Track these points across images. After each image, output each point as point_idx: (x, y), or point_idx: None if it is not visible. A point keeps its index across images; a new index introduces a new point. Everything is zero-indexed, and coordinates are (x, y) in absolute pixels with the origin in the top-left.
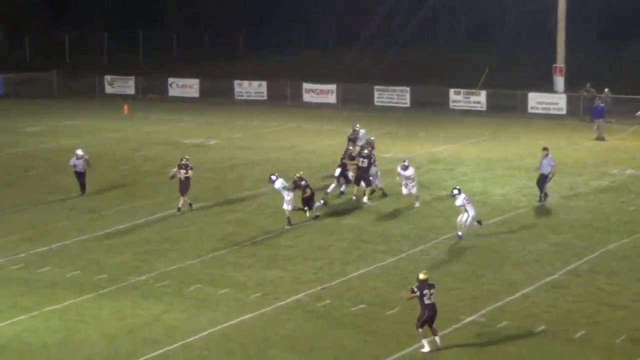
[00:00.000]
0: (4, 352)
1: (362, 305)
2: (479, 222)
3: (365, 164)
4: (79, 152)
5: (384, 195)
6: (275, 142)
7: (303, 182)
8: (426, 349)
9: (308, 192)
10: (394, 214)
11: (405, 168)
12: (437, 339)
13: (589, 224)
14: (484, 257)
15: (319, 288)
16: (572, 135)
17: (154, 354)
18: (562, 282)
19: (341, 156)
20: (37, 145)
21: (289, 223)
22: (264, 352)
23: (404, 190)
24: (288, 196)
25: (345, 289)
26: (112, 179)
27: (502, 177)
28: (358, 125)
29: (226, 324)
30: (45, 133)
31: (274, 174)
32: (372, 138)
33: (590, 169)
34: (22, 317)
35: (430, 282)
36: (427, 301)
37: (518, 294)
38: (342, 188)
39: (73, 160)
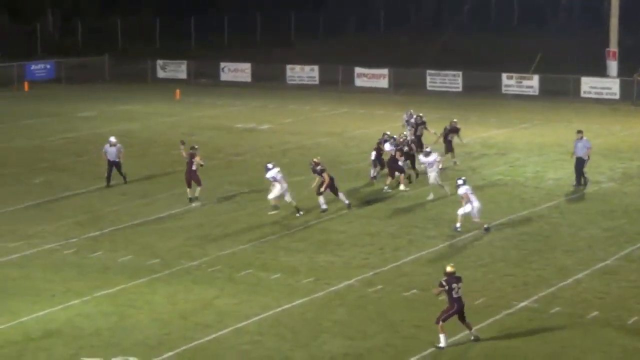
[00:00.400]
0: (57, 336)
1: (414, 291)
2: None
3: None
4: (112, 139)
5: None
6: (327, 127)
7: (319, 167)
8: (442, 344)
9: (325, 177)
10: (444, 200)
11: (427, 154)
12: (474, 331)
13: None
14: (535, 242)
15: (371, 273)
16: (625, 120)
17: (205, 339)
18: (615, 268)
19: (378, 140)
20: (90, 130)
21: (298, 211)
22: (315, 337)
23: (430, 179)
24: (275, 187)
25: (397, 275)
26: (164, 163)
27: (554, 162)
28: (411, 111)
29: (278, 309)
30: (98, 118)
31: (270, 163)
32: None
33: None
34: (74, 302)
35: (457, 274)
36: (455, 295)
37: (570, 280)
38: (374, 173)
39: (106, 147)
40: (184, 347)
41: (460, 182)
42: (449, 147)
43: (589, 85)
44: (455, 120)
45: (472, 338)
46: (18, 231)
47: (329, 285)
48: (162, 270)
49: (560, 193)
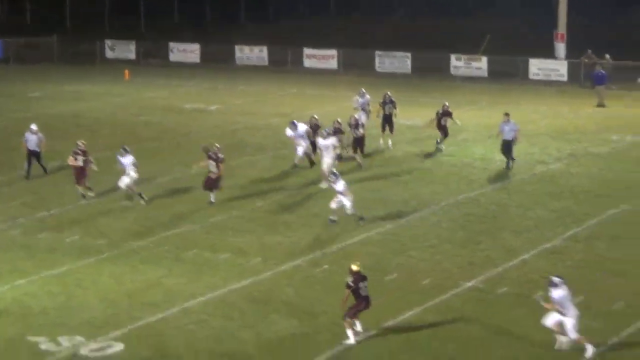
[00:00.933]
0: (4, 315)
1: None
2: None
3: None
4: (34, 126)
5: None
6: (276, 107)
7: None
8: (352, 340)
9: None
10: (393, 181)
11: (325, 136)
12: (357, 322)
13: (589, 190)
14: (482, 223)
15: (318, 254)
16: (573, 101)
17: (152, 318)
18: (562, 248)
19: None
20: (40, 110)
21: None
22: (263, 317)
23: (324, 165)
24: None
25: (343, 255)
26: (112, 144)
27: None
28: (363, 89)
29: (225, 289)
30: (47, 98)
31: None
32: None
33: (590, 136)
34: (21, 282)
35: (363, 273)
36: (363, 293)
37: (517, 260)
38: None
39: (27, 135)
40: (130, 327)
41: (333, 178)
42: (445, 132)
43: (537, 67)
44: (446, 103)
45: (359, 329)
46: None
47: (277, 265)
48: (109, 250)
49: (507, 174)
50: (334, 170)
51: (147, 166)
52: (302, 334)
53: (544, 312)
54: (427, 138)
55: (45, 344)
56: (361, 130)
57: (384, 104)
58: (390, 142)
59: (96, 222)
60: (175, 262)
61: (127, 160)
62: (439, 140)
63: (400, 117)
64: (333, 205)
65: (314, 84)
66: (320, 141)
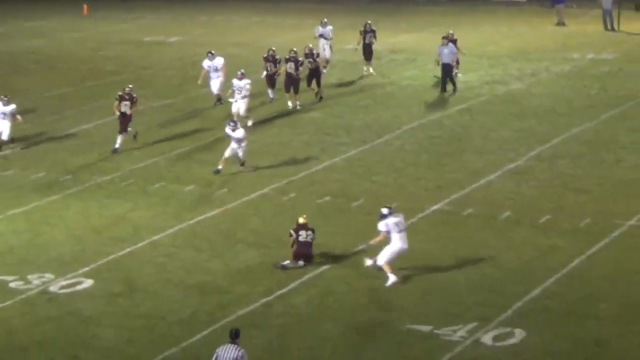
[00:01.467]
0: None
1: (327, 198)
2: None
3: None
4: None
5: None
6: (238, 37)
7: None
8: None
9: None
10: (355, 106)
11: (241, 76)
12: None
13: (552, 110)
14: (447, 145)
15: (284, 182)
16: (532, 20)
17: (120, 253)
18: (526, 168)
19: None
20: None
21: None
22: (231, 247)
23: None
24: None
25: (309, 182)
26: (73, 79)
27: (464, 65)
28: (325, 19)
29: (192, 221)
30: (5, 35)
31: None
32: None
33: (551, 55)
34: None
35: (310, 226)
36: (301, 239)
37: (482, 181)
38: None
39: None
40: (99, 262)
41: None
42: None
43: None
44: (451, 32)
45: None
46: None
47: (243, 195)
48: (75, 186)
49: (470, 95)
50: (234, 118)
51: (108, 99)
52: (271, 262)
53: (506, 233)
54: (388, 62)
55: (14, 282)
56: (317, 61)
57: (364, 32)
58: (371, 69)
59: (61, 158)
60: (141, 195)
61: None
62: (456, 71)
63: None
64: (227, 153)
65: (275, 11)
66: (235, 82)
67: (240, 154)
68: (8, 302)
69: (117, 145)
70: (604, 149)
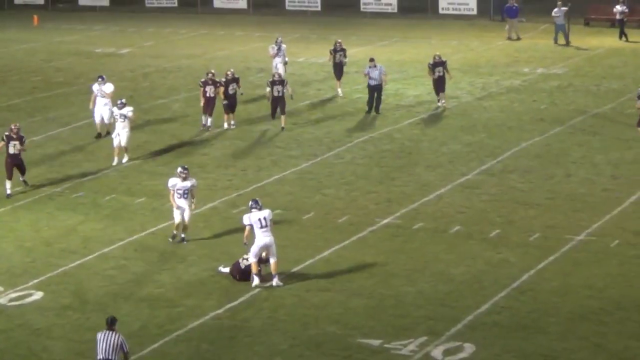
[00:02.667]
0: None
1: (278, 211)
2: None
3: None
4: None
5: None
6: (187, 49)
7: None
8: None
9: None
10: (306, 119)
11: (122, 106)
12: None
13: (502, 124)
14: (397, 159)
15: (234, 195)
16: (483, 35)
17: (71, 265)
18: (476, 182)
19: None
20: None
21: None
22: (182, 260)
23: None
24: None
25: (260, 195)
26: (24, 90)
27: (414, 79)
28: (280, 38)
29: (143, 233)
30: None
31: None
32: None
33: (502, 69)
34: None
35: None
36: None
37: (432, 195)
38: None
39: None
40: (49, 274)
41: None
42: (441, 87)
43: (446, 1)
44: (438, 54)
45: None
46: None
47: (194, 207)
48: (26, 197)
49: (420, 109)
50: (116, 153)
51: (59, 110)
52: (221, 275)
53: (456, 247)
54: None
55: None
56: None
57: (334, 51)
58: (339, 90)
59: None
60: (92, 207)
61: None
62: (438, 99)
63: (312, 54)
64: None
65: (223, 25)
66: (115, 110)
67: (187, 215)
68: None
69: (8, 192)
70: (554, 163)
